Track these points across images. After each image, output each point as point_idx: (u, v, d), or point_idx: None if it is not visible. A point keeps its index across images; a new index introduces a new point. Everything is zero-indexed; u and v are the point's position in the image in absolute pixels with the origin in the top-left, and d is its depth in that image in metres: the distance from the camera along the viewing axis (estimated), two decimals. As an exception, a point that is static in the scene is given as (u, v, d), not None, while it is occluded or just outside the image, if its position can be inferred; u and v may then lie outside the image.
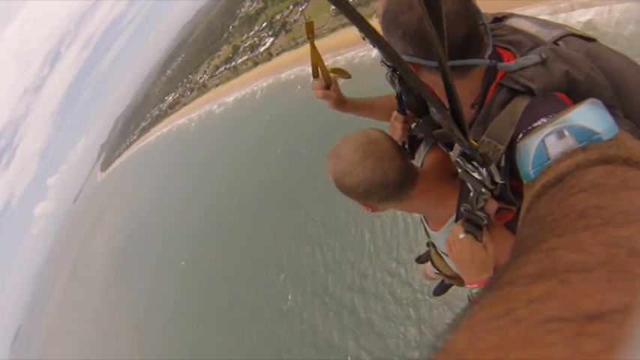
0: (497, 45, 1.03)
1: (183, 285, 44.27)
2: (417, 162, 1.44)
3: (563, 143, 0.54)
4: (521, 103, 0.92)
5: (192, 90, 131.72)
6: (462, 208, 1.09)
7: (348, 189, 1.11)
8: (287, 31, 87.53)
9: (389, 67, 1.36)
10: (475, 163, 0.93)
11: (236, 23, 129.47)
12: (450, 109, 0.70)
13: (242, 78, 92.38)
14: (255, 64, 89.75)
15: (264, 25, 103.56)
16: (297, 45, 78.60)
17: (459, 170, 0.98)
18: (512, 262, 0.33)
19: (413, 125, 1.48)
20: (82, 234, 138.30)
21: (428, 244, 1.64)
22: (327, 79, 1.53)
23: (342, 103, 1.61)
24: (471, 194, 1.03)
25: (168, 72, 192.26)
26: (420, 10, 0.82)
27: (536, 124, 0.80)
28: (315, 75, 1.52)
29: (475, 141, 0.92)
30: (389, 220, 23.24)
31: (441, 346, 0.26)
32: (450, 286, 1.76)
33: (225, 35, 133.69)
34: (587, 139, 0.52)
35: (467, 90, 1.04)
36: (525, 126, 0.84)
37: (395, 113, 1.54)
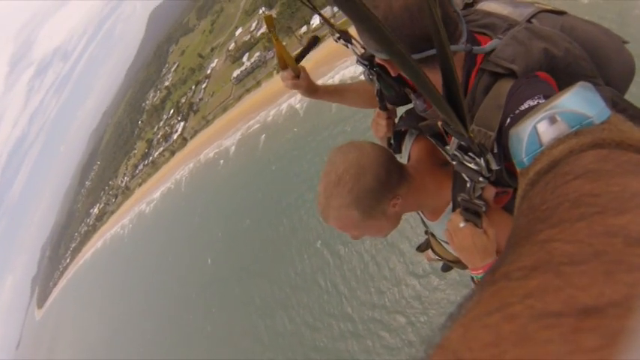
0: (472, 30, 1.02)
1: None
2: (404, 154, 1.43)
3: (556, 129, 0.53)
4: (504, 86, 0.91)
5: (116, 196, 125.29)
6: (459, 198, 1.06)
7: (361, 187, 1.09)
8: (195, 112, 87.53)
9: (365, 65, 1.36)
10: (472, 154, 0.91)
11: (144, 117, 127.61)
12: (448, 100, 0.68)
13: (163, 170, 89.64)
14: (172, 152, 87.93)
15: (171, 112, 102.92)
16: (207, 123, 78.50)
17: (454, 163, 0.96)
18: (508, 253, 0.32)
19: (397, 120, 1.49)
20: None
21: (426, 232, 1.62)
22: (295, 68, 1.49)
23: (313, 91, 1.57)
24: (468, 185, 1.00)
25: (87, 184, 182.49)
26: (385, 7, 0.87)
27: (523, 107, 0.80)
28: (283, 67, 1.49)
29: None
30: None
31: (437, 343, 0.25)
32: (453, 266, 1.75)
33: (136, 132, 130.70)
34: (579, 123, 0.52)
35: None
36: (512, 109, 0.83)
37: (377, 111, 1.54)
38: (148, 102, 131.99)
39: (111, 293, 78.25)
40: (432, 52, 0.94)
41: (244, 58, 75.90)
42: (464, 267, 1.41)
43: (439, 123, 0.94)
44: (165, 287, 51.80)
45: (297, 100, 52.06)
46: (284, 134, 47.70)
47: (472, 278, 1.21)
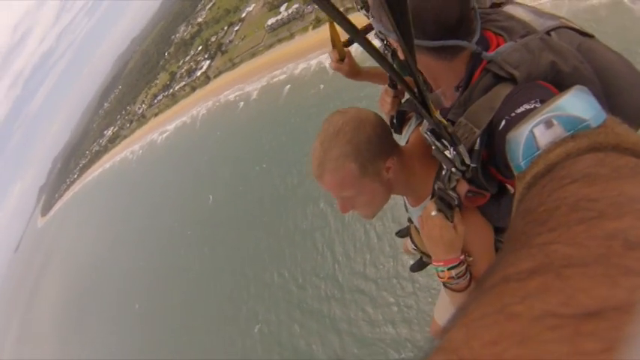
0: (490, 29, 1.03)
1: (138, 330, 41.04)
2: (404, 137, 1.45)
3: (552, 132, 0.53)
4: (503, 90, 0.91)
5: (131, 122, 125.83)
6: (436, 186, 1.09)
7: (331, 158, 1.10)
8: (223, 53, 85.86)
9: (382, 40, 1.40)
10: (444, 142, 0.92)
11: (171, 49, 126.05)
12: (416, 85, 0.69)
13: (181, 104, 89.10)
14: (193, 88, 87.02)
15: (199, 48, 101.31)
16: (233, 66, 77.21)
17: (433, 148, 0.97)
18: (506, 256, 0.32)
19: (403, 100, 1.54)
20: (28, 286, 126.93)
21: (409, 220, 1.66)
22: (342, 52, 1.61)
23: (355, 74, 1.68)
24: (443, 172, 1.03)
25: (106, 105, 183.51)
26: None
27: (519, 110, 0.80)
28: (333, 46, 1.61)
29: (452, 122, 0.93)
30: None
31: (438, 344, 0.25)
32: (428, 264, 1.72)
33: (161, 63, 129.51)
34: (575, 127, 0.52)
35: (454, 72, 1.04)
36: (507, 112, 0.84)
37: (386, 87, 1.60)
38: (177, 35, 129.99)
39: (111, 213, 79.68)
40: (448, 42, 0.96)
41: (282, 8, 73.62)
42: None
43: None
44: (163, 218, 52.51)
45: (328, 58, 50.92)
46: (309, 89, 46.84)
47: (436, 272, 1.20)
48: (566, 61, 0.92)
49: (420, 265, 1.71)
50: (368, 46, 0.59)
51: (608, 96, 0.97)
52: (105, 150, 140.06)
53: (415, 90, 0.72)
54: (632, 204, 0.30)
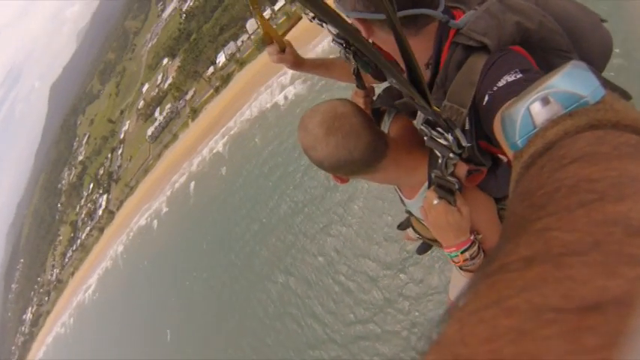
0: (447, 4, 1.00)
1: None
2: None
3: (549, 110, 0.52)
4: (478, 61, 0.90)
5: (48, 293, 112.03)
6: (433, 175, 1.07)
7: (314, 162, 1.10)
8: (116, 181, 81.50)
9: (341, 44, 1.38)
10: (440, 129, 0.90)
11: (63, 199, 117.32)
12: (408, 74, 0.67)
13: (95, 251, 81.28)
14: (101, 230, 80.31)
15: (91, 187, 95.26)
16: (131, 190, 73.28)
17: (425, 138, 0.96)
18: (504, 243, 0.31)
19: (374, 98, 1.52)
20: None
21: (407, 212, 1.65)
22: (281, 43, 1.54)
23: (299, 64, 1.62)
24: (440, 160, 1.01)
25: (14, 287, 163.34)
26: None
27: (500, 84, 0.79)
28: (268, 42, 1.54)
29: (437, 106, 0.90)
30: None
31: (434, 339, 0.24)
32: (432, 246, 1.85)
33: (57, 217, 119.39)
34: (573, 103, 0.51)
35: (421, 48, 1.00)
36: (489, 86, 0.82)
37: (354, 89, 1.56)
38: (64, 182, 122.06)
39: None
40: (413, 11, 0.90)
41: (156, 114, 72.43)
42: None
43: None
44: None
45: (217, 143, 50.02)
46: (212, 179, 45.50)
47: (450, 258, 1.22)
48: (530, 18, 0.91)
49: (425, 248, 1.80)
50: (368, 47, 0.55)
51: (574, 42, 0.97)
52: (32, 337, 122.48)
53: (407, 78, 0.68)
54: (634, 184, 0.29)
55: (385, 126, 1.34)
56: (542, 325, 0.21)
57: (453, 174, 1.02)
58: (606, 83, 0.85)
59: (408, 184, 1.24)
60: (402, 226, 1.79)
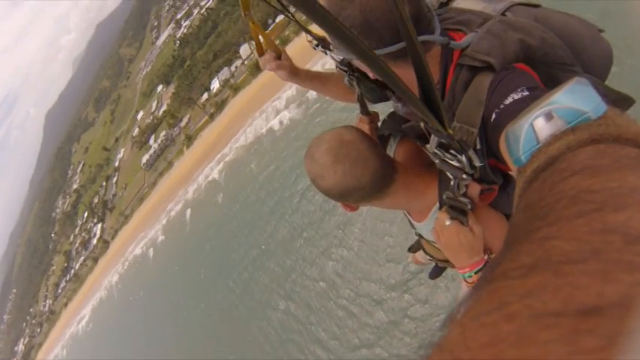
0: (447, 28, 1.02)
1: None
2: None
3: (552, 125, 0.53)
4: (484, 81, 0.90)
5: (41, 325, 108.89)
6: (444, 196, 1.06)
7: (322, 191, 1.09)
8: (111, 210, 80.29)
9: (345, 71, 1.36)
10: (453, 152, 0.91)
11: (57, 228, 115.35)
12: (422, 97, 0.68)
13: (89, 282, 79.37)
14: (95, 260, 78.67)
15: (85, 215, 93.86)
16: (126, 219, 72.31)
17: (437, 161, 0.96)
18: (505, 252, 0.31)
19: (379, 124, 1.50)
20: None
21: (417, 234, 1.63)
22: (276, 49, 1.46)
23: (295, 74, 1.53)
24: (452, 182, 1.00)
25: (6, 317, 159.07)
26: (361, 1, 0.84)
27: (507, 102, 0.80)
28: (261, 52, 1.46)
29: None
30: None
31: (435, 343, 0.25)
32: (445, 268, 1.88)
33: (50, 246, 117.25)
34: (576, 119, 0.52)
35: None
36: (497, 104, 0.83)
37: (359, 116, 1.52)
38: (58, 210, 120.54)
39: None
40: (403, 44, 0.90)
41: (151, 141, 72.16)
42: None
43: (420, 123, 0.93)
44: None
45: (213, 170, 49.72)
46: (208, 206, 44.99)
47: (463, 279, 1.22)
48: (531, 35, 0.92)
49: (437, 272, 1.80)
50: (387, 71, 0.54)
51: (576, 55, 0.98)
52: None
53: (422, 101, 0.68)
54: (634, 195, 0.30)
55: (391, 150, 1.33)
56: (542, 329, 0.21)
57: (465, 194, 1.02)
58: (609, 92, 0.86)
59: (418, 207, 1.22)
60: (413, 249, 1.76)
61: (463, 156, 0.89)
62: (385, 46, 0.90)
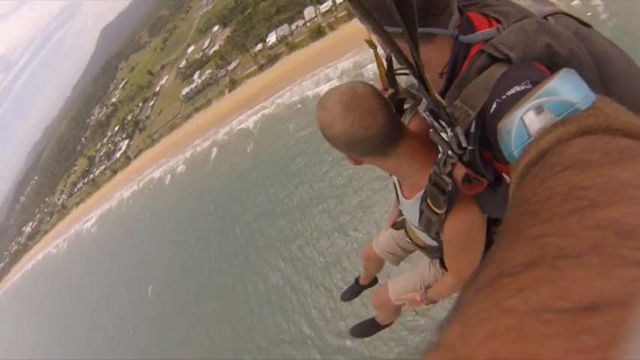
0: (487, 14, 0.99)
1: None
2: None
3: (542, 118, 0.52)
4: (498, 71, 0.86)
5: (51, 214, 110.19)
6: (432, 170, 1.04)
7: (330, 139, 1.06)
8: (141, 130, 78.75)
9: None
10: (442, 122, 0.89)
11: (88, 133, 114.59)
12: (415, 67, 0.69)
13: (104, 190, 79.15)
14: (115, 171, 78.09)
15: (116, 129, 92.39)
16: (153, 142, 70.32)
17: (430, 130, 0.95)
18: (500, 251, 0.30)
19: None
20: None
21: (401, 212, 1.57)
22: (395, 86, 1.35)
23: None
24: (439, 156, 0.99)
25: (22, 200, 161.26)
26: None
27: (510, 93, 0.76)
28: (385, 87, 1.33)
29: (448, 105, 0.90)
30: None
31: (435, 341, 0.24)
32: (361, 291, 2.20)
33: (78, 148, 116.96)
34: (565, 111, 0.50)
35: (435, 57, 0.98)
36: (499, 94, 0.79)
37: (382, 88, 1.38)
38: (92, 118, 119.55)
39: (41, 319, 66.25)
40: (426, 30, 0.91)
41: (195, 76, 69.46)
42: (432, 255, 1.52)
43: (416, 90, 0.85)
44: (101, 319, 43.67)
45: (249, 118, 46.83)
46: (236, 151, 42.51)
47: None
48: (562, 44, 0.86)
49: (353, 294, 1.95)
50: (396, 47, 0.58)
51: (605, 85, 0.91)
52: (25, 249, 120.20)
53: (415, 68, 0.70)
54: (624, 190, 0.29)
55: (405, 120, 1.27)
56: (541, 324, 0.20)
57: (450, 174, 0.99)
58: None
59: (413, 181, 1.17)
60: (396, 226, 1.70)
61: (450, 130, 0.87)
62: (394, 25, 0.89)
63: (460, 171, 0.98)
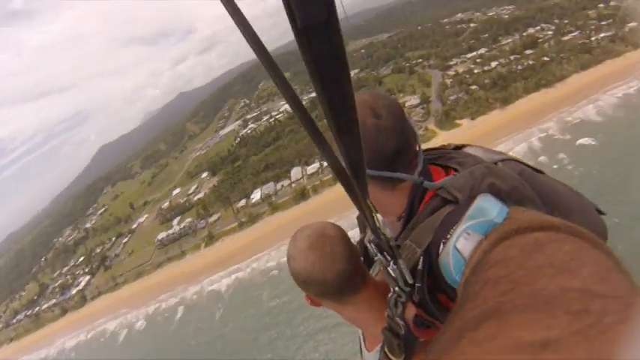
0: (448, 165, 1.07)
1: None
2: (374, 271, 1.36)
3: (471, 241, 0.57)
4: (445, 212, 0.91)
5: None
6: (386, 314, 1.01)
7: (291, 273, 1.06)
8: (106, 268, 73.13)
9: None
10: (386, 255, 0.91)
11: (50, 255, 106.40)
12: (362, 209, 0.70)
13: (45, 330, 68.68)
14: (64, 311, 69.44)
15: (81, 259, 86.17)
16: (116, 286, 64.29)
17: (381, 267, 0.95)
18: (456, 320, 0.34)
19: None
20: None
21: None
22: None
23: None
24: (389, 296, 0.97)
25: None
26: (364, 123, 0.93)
27: (452, 231, 0.79)
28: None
29: (399, 246, 0.93)
30: None
31: None
32: None
33: (34, 270, 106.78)
34: (487, 228, 0.56)
35: (396, 202, 1.05)
36: (444, 235, 0.81)
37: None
38: (60, 239, 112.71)
39: None
40: (390, 174, 0.98)
41: (175, 222, 68.69)
42: None
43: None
44: None
45: (221, 280, 43.95)
46: (204, 314, 38.54)
47: None
48: (505, 182, 0.92)
49: None
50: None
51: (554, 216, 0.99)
52: None
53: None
54: (541, 270, 0.35)
55: (375, 270, 1.26)
56: None
57: (402, 316, 0.96)
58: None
59: (374, 331, 1.11)
60: None
61: (393, 263, 0.88)
62: (380, 169, 0.98)
63: (410, 311, 0.96)
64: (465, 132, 50.40)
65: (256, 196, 59.02)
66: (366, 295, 1.05)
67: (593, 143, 35.16)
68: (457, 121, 54.87)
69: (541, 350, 0.23)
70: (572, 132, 38.62)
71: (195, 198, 72.53)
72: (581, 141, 36.17)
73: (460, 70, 69.83)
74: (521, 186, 0.93)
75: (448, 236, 0.79)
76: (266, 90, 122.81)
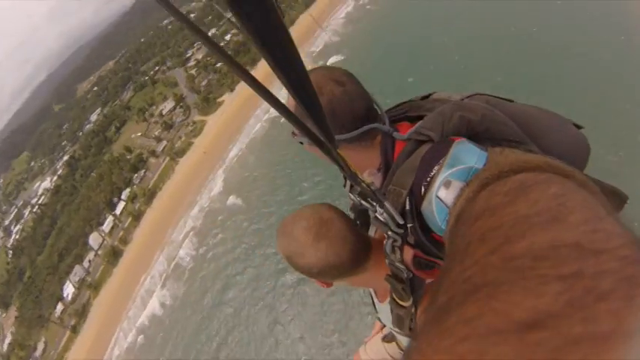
0: (420, 114, 1.05)
1: None
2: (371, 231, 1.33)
3: (453, 189, 0.54)
4: (422, 151, 0.90)
5: None
6: (387, 261, 0.98)
7: (300, 269, 1.02)
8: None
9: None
10: (371, 201, 0.89)
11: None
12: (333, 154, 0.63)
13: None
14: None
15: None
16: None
17: (372, 217, 0.93)
18: (437, 295, 0.32)
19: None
20: None
21: (378, 319, 1.52)
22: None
23: None
24: (385, 242, 0.94)
25: None
26: (329, 96, 0.96)
27: (432, 173, 0.77)
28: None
29: (384, 193, 0.92)
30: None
31: None
32: None
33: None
34: (468, 175, 0.53)
35: (374, 157, 1.06)
36: (424, 177, 0.80)
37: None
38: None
39: None
40: (367, 127, 0.99)
41: None
42: None
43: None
44: None
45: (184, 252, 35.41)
46: None
47: None
48: (473, 112, 0.91)
49: None
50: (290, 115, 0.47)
51: (533, 138, 0.95)
52: None
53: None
54: (528, 220, 0.32)
55: (373, 230, 1.25)
56: (493, 346, 0.21)
57: (402, 261, 0.94)
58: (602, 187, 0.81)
59: (385, 286, 1.09)
60: (387, 338, 1.59)
61: (382, 208, 0.85)
62: (346, 132, 0.99)
63: (408, 253, 0.93)
64: (234, 103, 50.23)
65: (69, 290, 46.71)
66: (374, 257, 1.03)
67: (343, 58, 40.52)
68: (218, 100, 54.34)
69: (529, 330, 0.21)
70: (323, 56, 43.45)
71: (5, 347, 53.08)
72: (331, 60, 40.94)
73: (200, 56, 69.13)
74: (491, 112, 0.92)
75: (429, 179, 0.75)
76: (9, 183, 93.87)
